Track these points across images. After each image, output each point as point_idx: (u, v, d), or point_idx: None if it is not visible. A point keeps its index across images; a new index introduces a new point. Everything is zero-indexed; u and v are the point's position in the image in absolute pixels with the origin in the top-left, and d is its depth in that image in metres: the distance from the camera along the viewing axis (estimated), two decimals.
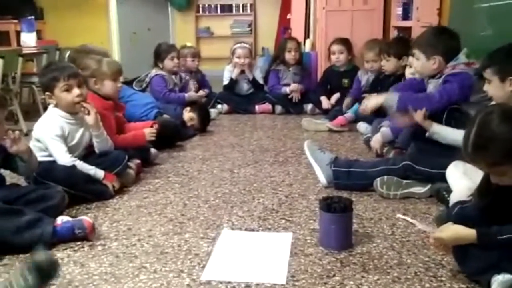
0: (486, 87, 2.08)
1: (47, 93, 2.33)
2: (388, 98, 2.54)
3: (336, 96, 4.31)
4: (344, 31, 4.59)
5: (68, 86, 2.28)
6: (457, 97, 2.41)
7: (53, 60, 4.45)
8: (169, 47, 4.15)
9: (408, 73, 3.03)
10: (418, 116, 2.35)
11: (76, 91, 2.30)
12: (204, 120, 3.78)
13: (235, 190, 2.44)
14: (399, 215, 1.81)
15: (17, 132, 1.96)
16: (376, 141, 2.91)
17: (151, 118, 3.29)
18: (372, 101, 2.61)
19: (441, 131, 2.33)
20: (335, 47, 4.37)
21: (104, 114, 2.56)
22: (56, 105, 2.34)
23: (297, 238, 1.87)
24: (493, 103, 2.06)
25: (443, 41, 2.51)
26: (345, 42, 4.38)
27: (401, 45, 3.47)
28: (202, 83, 4.64)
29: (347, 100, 3.97)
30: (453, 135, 2.24)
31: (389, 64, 3.56)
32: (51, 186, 2.06)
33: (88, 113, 2.35)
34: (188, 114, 3.68)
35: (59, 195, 2.03)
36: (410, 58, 2.86)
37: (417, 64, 2.53)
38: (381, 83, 3.62)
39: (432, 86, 2.59)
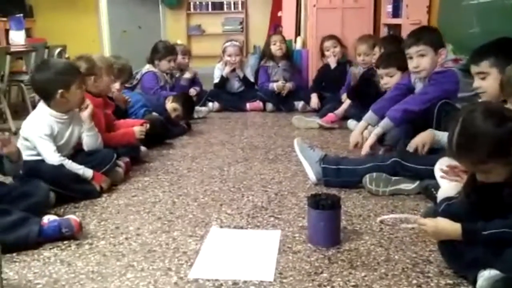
0: (478, 83, 2.06)
1: (60, 90, 2.26)
2: (382, 125, 2.59)
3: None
4: (334, 29, 4.61)
5: (81, 83, 2.36)
6: (439, 96, 2.43)
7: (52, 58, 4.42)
8: (169, 49, 4.15)
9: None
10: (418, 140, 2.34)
11: (83, 88, 2.39)
12: (188, 109, 3.72)
13: (225, 188, 2.43)
14: (383, 217, 1.86)
15: (7, 133, 1.95)
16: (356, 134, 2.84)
17: (140, 116, 3.27)
18: (370, 140, 2.64)
19: (443, 136, 2.32)
20: (328, 43, 4.41)
21: (94, 112, 2.55)
22: (65, 103, 2.30)
23: (285, 235, 1.87)
24: (483, 99, 2.06)
25: (439, 34, 2.56)
26: (335, 37, 4.45)
27: (395, 44, 3.45)
28: (192, 81, 4.63)
29: (344, 96, 3.97)
30: None
31: None
32: (34, 182, 2.04)
33: (86, 107, 2.39)
34: (170, 105, 3.61)
35: (42, 191, 2.01)
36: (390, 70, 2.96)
37: (425, 61, 2.52)
38: (371, 80, 3.60)
39: (421, 85, 2.61)
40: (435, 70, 2.51)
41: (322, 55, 4.50)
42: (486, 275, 1.38)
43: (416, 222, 1.62)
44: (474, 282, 1.43)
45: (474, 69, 2.09)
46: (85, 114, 2.40)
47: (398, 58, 2.87)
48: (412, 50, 2.54)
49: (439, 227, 1.52)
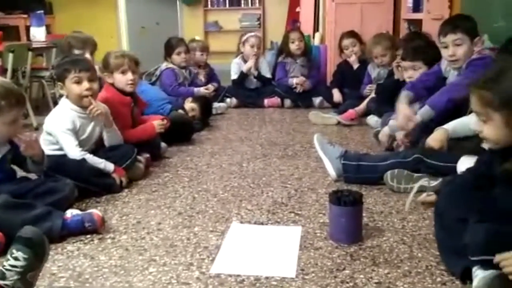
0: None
1: (59, 83, 2.36)
2: (422, 113, 2.50)
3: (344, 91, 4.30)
4: (353, 24, 4.56)
5: (78, 78, 2.31)
6: None
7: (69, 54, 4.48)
8: (176, 42, 4.15)
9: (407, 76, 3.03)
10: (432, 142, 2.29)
11: (85, 84, 2.31)
12: (206, 111, 3.76)
13: (244, 183, 2.43)
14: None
15: (34, 135, 1.98)
16: (384, 134, 2.88)
17: (166, 113, 3.28)
18: (409, 125, 2.54)
19: (456, 126, 2.30)
20: (347, 41, 4.35)
21: (120, 110, 2.60)
22: (66, 97, 2.36)
23: (306, 231, 1.86)
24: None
25: (475, 22, 2.51)
26: (354, 34, 4.38)
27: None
28: (211, 77, 4.64)
29: (366, 92, 3.96)
30: (469, 120, 2.24)
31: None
32: (60, 179, 2.06)
33: (96, 112, 2.35)
34: (189, 105, 3.67)
35: (68, 188, 2.03)
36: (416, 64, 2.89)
37: (461, 50, 2.47)
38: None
39: (455, 74, 2.55)
40: (473, 57, 2.45)
41: (341, 51, 4.45)
42: (481, 274, 1.34)
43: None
44: (461, 276, 1.44)
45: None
46: (100, 119, 2.39)
47: (425, 51, 2.83)
48: (448, 39, 2.47)
49: None
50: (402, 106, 2.58)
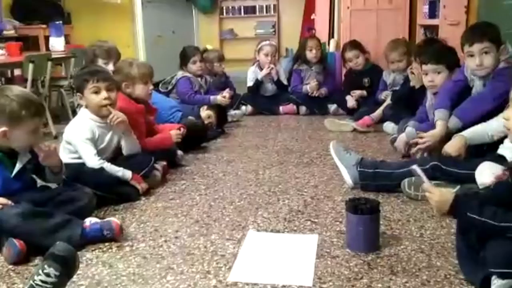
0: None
1: (78, 93, 2.41)
2: (451, 123, 2.49)
3: (359, 93, 4.27)
4: (369, 31, 4.55)
5: (96, 88, 2.34)
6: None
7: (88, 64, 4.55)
8: (191, 51, 4.19)
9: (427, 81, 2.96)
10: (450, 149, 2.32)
11: (103, 94, 2.35)
12: (221, 117, 3.79)
13: (260, 191, 2.43)
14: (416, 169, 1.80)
15: (53, 145, 2.01)
16: (401, 141, 2.86)
17: (177, 121, 3.31)
18: (434, 137, 2.53)
19: (473, 132, 2.28)
20: (350, 54, 4.36)
21: (136, 118, 2.61)
22: (86, 107, 2.39)
23: (323, 240, 1.86)
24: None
25: (499, 30, 2.46)
26: (356, 45, 4.37)
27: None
28: (226, 85, 4.66)
29: (382, 97, 3.95)
30: (487, 127, 2.22)
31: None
32: (79, 188, 2.09)
33: (116, 120, 2.38)
34: (205, 112, 3.69)
35: (87, 197, 2.06)
36: (439, 67, 2.81)
37: (489, 59, 2.41)
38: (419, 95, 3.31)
39: (481, 83, 2.51)
40: (500, 66, 2.41)
41: (345, 62, 4.46)
42: (499, 283, 1.34)
43: (426, 189, 1.62)
44: (481, 285, 1.42)
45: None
46: (120, 127, 2.42)
47: (448, 55, 2.78)
48: (475, 48, 2.41)
49: (443, 197, 1.53)
50: (440, 127, 2.55)
